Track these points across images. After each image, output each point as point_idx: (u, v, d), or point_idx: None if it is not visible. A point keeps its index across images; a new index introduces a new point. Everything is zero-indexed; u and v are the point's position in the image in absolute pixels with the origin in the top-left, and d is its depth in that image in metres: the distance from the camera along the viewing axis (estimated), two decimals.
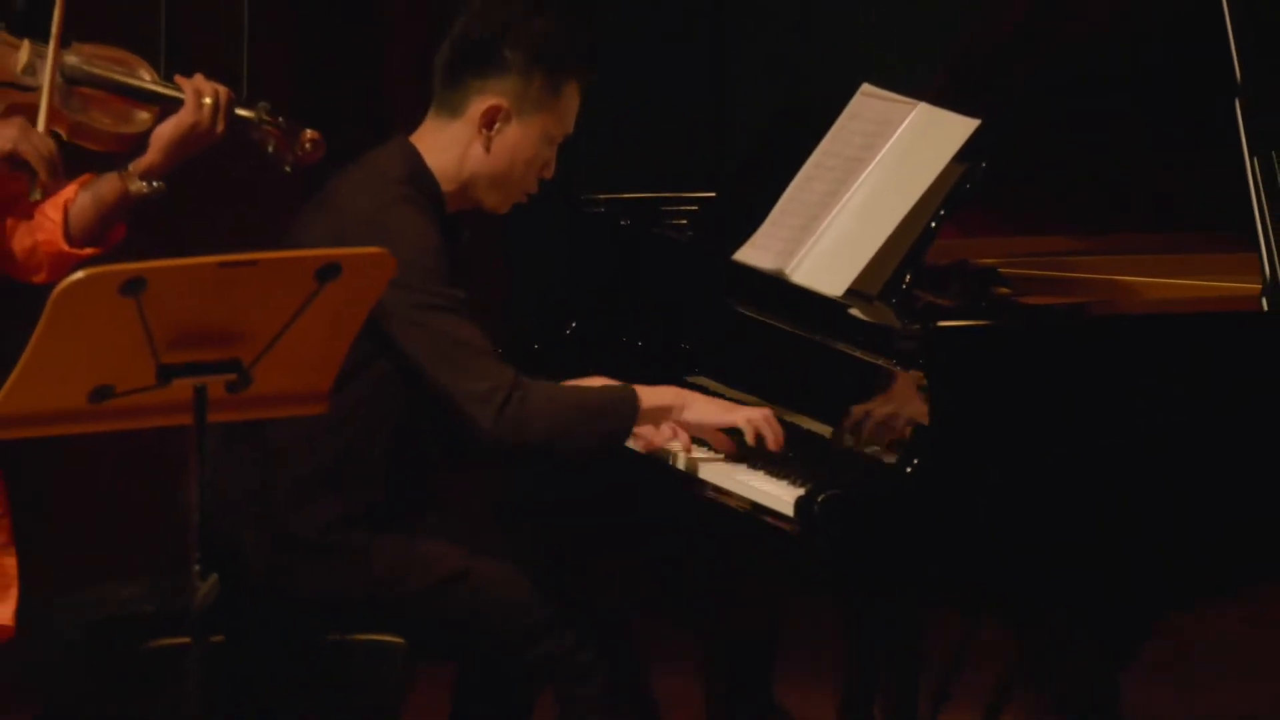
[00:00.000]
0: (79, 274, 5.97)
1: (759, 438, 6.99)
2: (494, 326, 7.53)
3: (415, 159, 7.06)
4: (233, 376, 6.10)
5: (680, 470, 7.05)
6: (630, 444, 7.09)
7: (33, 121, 6.61)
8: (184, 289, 6.05)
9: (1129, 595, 6.77)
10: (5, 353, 6.18)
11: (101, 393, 6.04)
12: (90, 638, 6.97)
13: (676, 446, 7.05)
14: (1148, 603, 6.79)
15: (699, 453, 7.06)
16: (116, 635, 6.92)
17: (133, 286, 5.91)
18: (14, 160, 6.48)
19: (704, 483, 6.98)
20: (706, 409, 7.01)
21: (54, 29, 6.60)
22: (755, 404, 7.12)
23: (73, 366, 6.04)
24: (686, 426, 7.02)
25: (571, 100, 7.11)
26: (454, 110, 7.06)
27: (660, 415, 7.00)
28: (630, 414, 6.95)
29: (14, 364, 6.04)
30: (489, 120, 6.99)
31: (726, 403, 7.07)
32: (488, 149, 7.05)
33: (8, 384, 6.03)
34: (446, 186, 7.05)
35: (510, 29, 7.08)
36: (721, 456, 7.03)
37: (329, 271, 6.11)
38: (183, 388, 6.07)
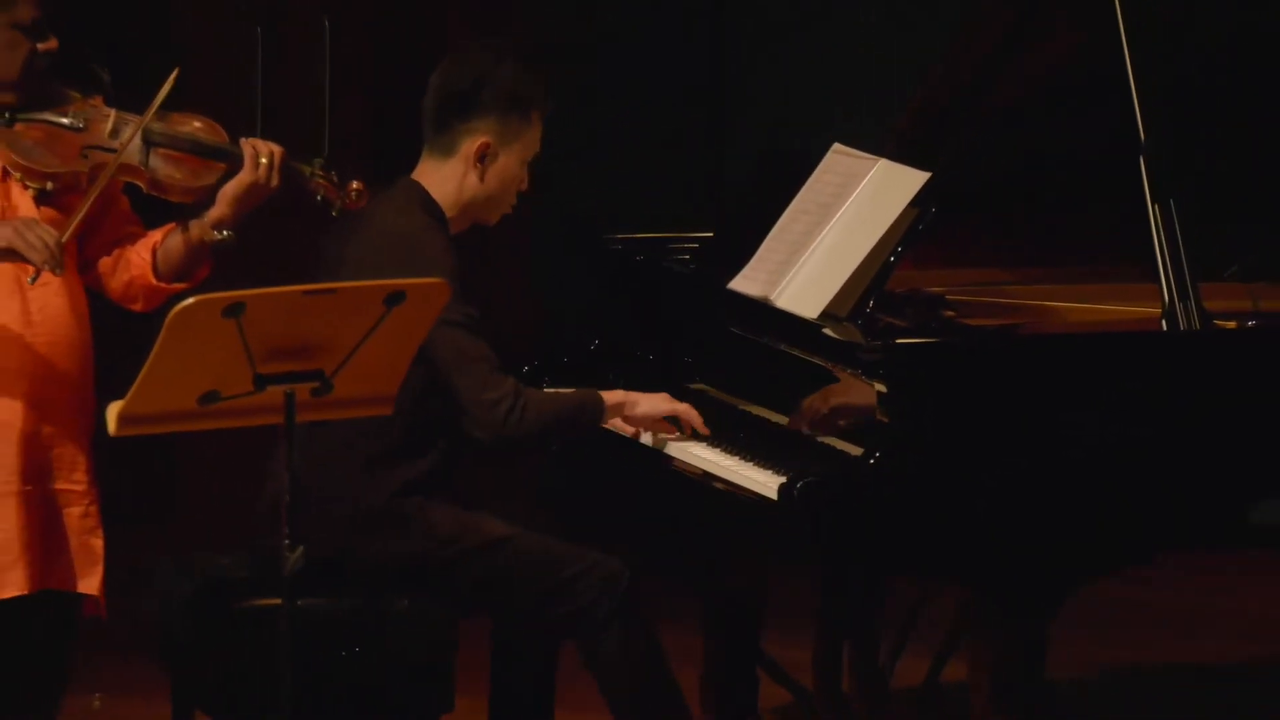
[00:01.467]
0: (190, 300, 5.99)
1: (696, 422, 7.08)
2: (530, 343, 7.97)
3: (424, 193, 7.08)
4: (316, 384, 6.17)
5: (684, 462, 7.04)
6: (645, 440, 7.14)
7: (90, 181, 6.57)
8: (276, 312, 6.10)
9: (1051, 564, 6.75)
10: (126, 364, 6.17)
11: (209, 397, 6.10)
12: (196, 599, 6.98)
13: (683, 411, 7.14)
14: (1065, 570, 6.77)
15: (701, 450, 7.04)
16: (218, 597, 6.95)
17: (233, 310, 5.95)
18: (9, 254, 6.42)
19: (705, 473, 6.98)
20: (651, 404, 7.11)
21: (155, 102, 6.53)
22: (748, 407, 7.15)
23: (185, 376, 6.08)
24: (637, 419, 7.13)
25: (538, 127, 7.16)
26: (446, 150, 7.07)
27: (618, 411, 7.11)
28: (598, 413, 7.07)
29: (135, 375, 6.07)
30: (480, 155, 7.03)
31: (664, 397, 7.16)
32: (482, 179, 7.07)
33: (131, 391, 6.05)
34: (449, 213, 7.07)
35: (485, 78, 7.11)
36: (721, 452, 6.98)
37: (395, 298, 6.16)
38: (275, 393, 6.14)
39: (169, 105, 6.58)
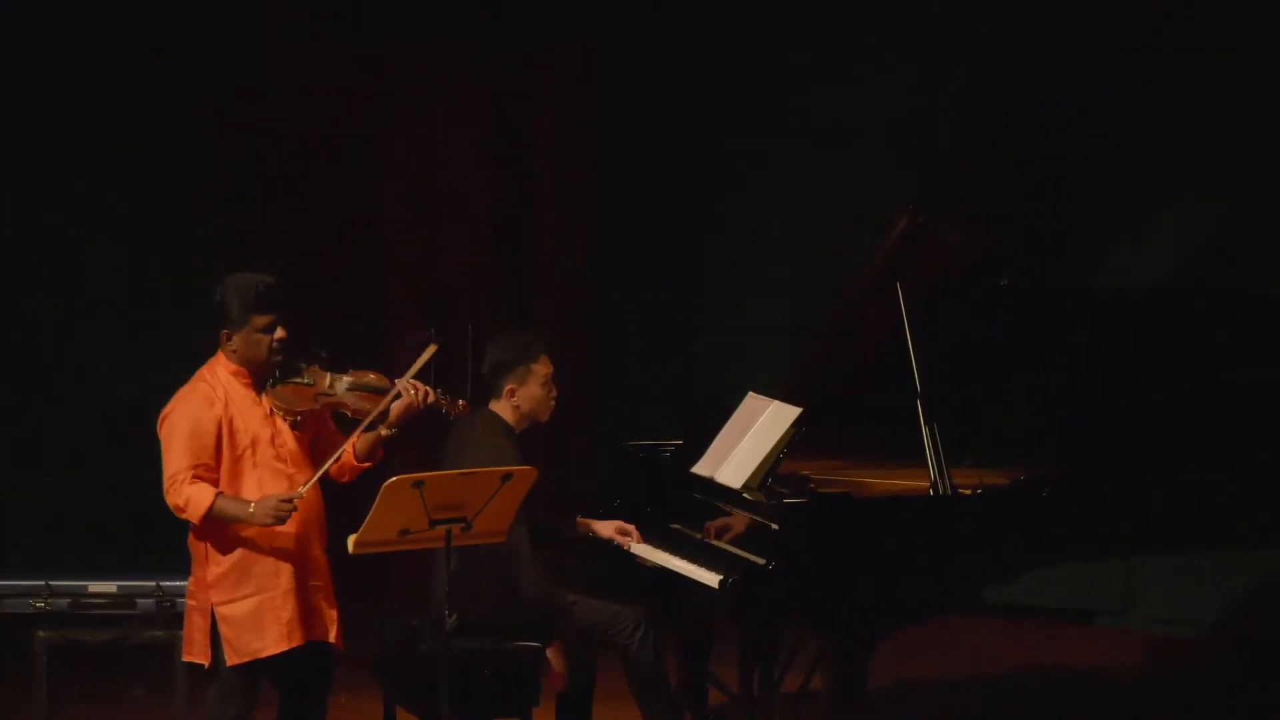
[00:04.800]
0: (394, 478, 6.11)
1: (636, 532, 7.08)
2: (582, 501, 7.72)
3: (497, 417, 6.93)
4: (463, 524, 6.29)
5: (667, 566, 6.98)
6: (648, 556, 7.02)
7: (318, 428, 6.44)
8: (441, 485, 6.23)
9: (862, 627, 6.71)
10: (350, 511, 6.32)
11: (404, 532, 6.24)
12: (399, 641, 6.96)
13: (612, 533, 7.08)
14: (871, 630, 6.72)
15: (676, 559, 6.96)
16: (409, 640, 6.90)
17: (418, 485, 6.16)
18: (271, 520, 6.24)
19: (678, 572, 6.94)
20: (602, 529, 7.08)
21: (413, 371, 6.40)
22: (702, 537, 6.98)
23: (390, 520, 6.20)
24: (599, 532, 7.07)
25: (546, 364, 6.94)
26: (498, 394, 6.92)
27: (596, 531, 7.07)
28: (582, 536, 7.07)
29: (360, 520, 6.18)
30: (510, 394, 6.91)
31: (616, 523, 7.10)
32: (517, 407, 6.92)
33: (361, 529, 6.18)
34: (519, 427, 6.94)
35: (510, 350, 6.97)
36: (687, 560, 6.89)
37: (507, 477, 6.29)
38: (440, 530, 6.26)
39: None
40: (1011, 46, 9.38)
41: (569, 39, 9.69)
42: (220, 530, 6.34)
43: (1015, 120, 9.27)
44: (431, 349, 6.45)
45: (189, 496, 6.25)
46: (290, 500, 6.25)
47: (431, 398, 6.45)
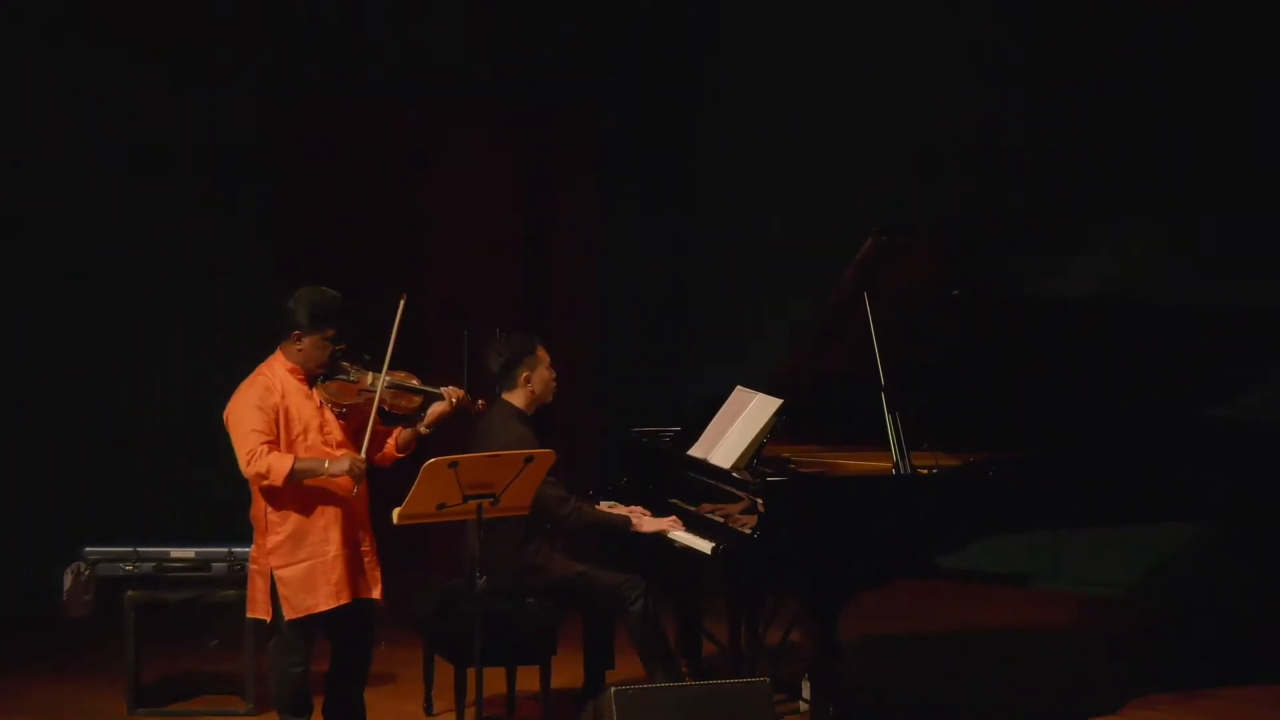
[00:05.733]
0: (434, 459, 6.11)
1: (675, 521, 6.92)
2: (594, 477, 7.64)
3: (513, 407, 6.89)
4: (492, 499, 6.28)
5: (670, 538, 6.89)
6: (645, 530, 6.92)
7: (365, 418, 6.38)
8: (474, 465, 6.23)
9: (833, 589, 6.68)
10: (394, 489, 6.29)
11: (441, 505, 6.23)
12: (436, 601, 6.97)
13: (670, 526, 6.92)
14: (840, 592, 6.68)
15: (676, 530, 6.89)
16: (445, 601, 6.92)
17: (454, 465, 6.17)
18: (350, 475, 6.31)
19: (676, 540, 6.85)
20: (643, 523, 6.92)
21: (386, 360, 6.38)
22: (697, 510, 6.93)
23: (430, 495, 6.19)
24: (641, 529, 6.91)
25: (544, 351, 6.91)
26: (511, 385, 6.89)
27: (629, 523, 6.90)
28: (624, 526, 6.91)
29: (404, 495, 6.16)
30: (525, 381, 6.87)
31: (653, 519, 6.94)
32: (532, 390, 6.88)
33: (404, 503, 6.16)
34: (528, 411, 6.89)
35: (516, 347, 6.92)
36: (685, 530, 6.84)
37: (529, 459, 6.30)
38: (472, 504, 6.26)
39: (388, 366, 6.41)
40: (978, 73, 9.29)
41: (577, 98, 9.74)
42: (278, 504, 6.37)
43: (980, 146, 9.21)
44: (403, 299, 6.38)
45: (270, 464, 6.28)
46: (362, 459, 6.29)
47: (463, 400, 6.50)
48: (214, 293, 9.09)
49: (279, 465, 6.29)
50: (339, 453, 6.38)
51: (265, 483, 6.33)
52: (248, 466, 6.31)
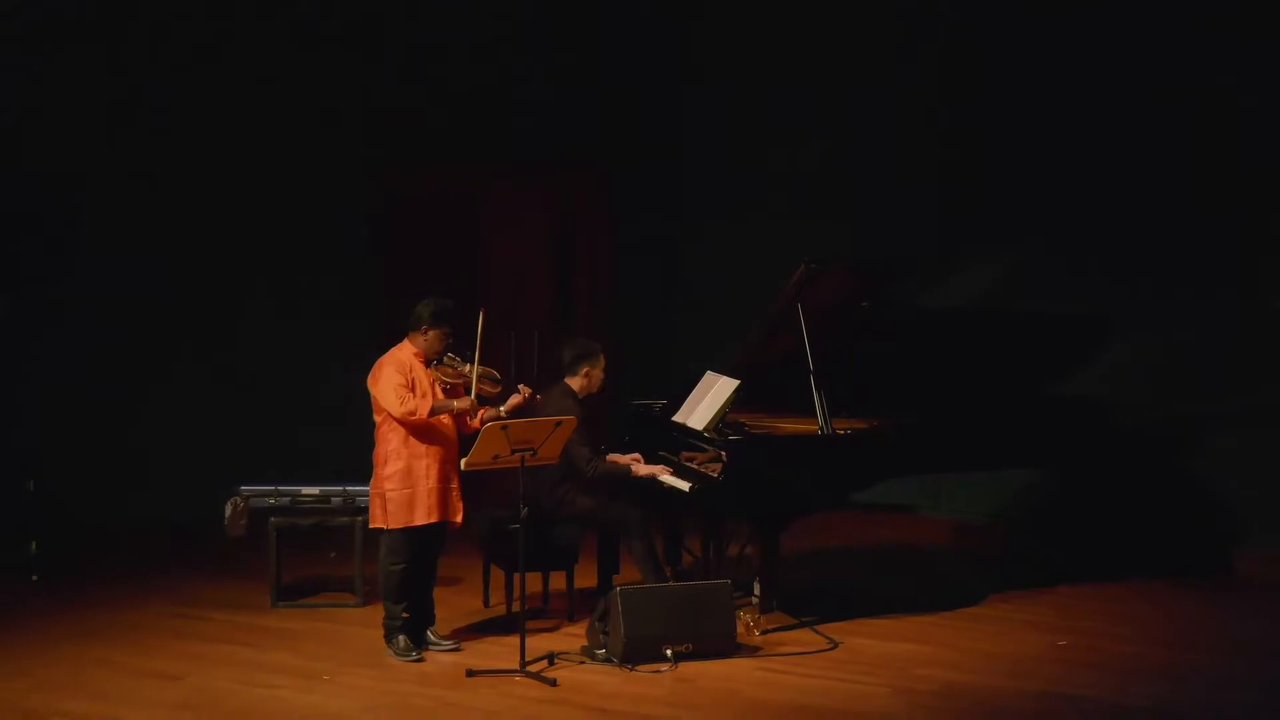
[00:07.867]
0: (490, 423, 6.21)
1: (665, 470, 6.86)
2: (604, 437, 7.34)
3: (571, 389, 6.82)
4: (532, 452, 6.26)
5: (659, 480, 6.85)
6: (641, 473, 6.88)
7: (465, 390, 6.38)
8: (518, 428, 6.20)
9: (775, 515, 6.72)
10: (466, 444, 6.23)
11: (496, 457, 6.22)
12: (491, 524, 6.95)
13: (659, 471, 6.91)
14: (780, 518, 6.73)
15: (664, 474, 6.86)
16: (499, 525, 6.89)
17: (505, 428, 6.14)
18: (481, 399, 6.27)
19: (664, 482, 6.82)
20: (639, 469, 6.85)
21: (477, 355, 6.32)
22: (679, 458, 6.96)
23: (487, 450, 6.19)
24: (640, 474, 6.87)
25: (601, 360, 6.85)
26: (574, 373, 6.84)
27: (630, 469, 6.84)
28: (626, 472, 6.85)
29: (469, 448, 6.17)
30: (586, 374, 6.82)
31: (653, 466, 6.87)
32: (588, 380, 6.82)
33: (469, 455, 6.18)
34: (580, 395, 6.83)
35: (586, 348, 6.83)
36: (670, 474, 6.89)
37: (560, 424, 6.30)
38: (518, 456, 6.24)
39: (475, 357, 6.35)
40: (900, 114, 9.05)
41: (596, 163, 9.62)
42: (396, 447, 6.36)
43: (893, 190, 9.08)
44: (482, 312, 6.28)
45: (416, 404, 6.31)
46: (471, 400, 6.31)
47: (529, 397, 6.54)
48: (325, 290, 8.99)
49: (422, 405, 6.34)
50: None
51: (413, 418, 6.31)
52: (400, 406, 6.30)
